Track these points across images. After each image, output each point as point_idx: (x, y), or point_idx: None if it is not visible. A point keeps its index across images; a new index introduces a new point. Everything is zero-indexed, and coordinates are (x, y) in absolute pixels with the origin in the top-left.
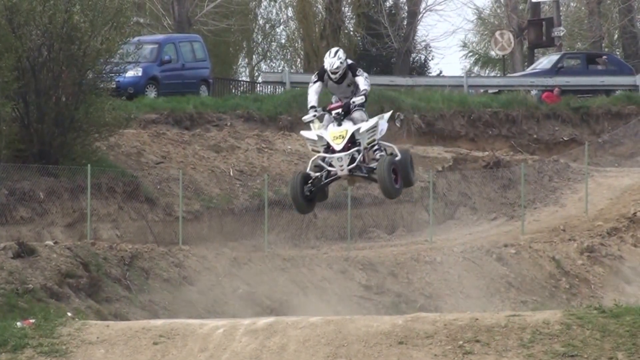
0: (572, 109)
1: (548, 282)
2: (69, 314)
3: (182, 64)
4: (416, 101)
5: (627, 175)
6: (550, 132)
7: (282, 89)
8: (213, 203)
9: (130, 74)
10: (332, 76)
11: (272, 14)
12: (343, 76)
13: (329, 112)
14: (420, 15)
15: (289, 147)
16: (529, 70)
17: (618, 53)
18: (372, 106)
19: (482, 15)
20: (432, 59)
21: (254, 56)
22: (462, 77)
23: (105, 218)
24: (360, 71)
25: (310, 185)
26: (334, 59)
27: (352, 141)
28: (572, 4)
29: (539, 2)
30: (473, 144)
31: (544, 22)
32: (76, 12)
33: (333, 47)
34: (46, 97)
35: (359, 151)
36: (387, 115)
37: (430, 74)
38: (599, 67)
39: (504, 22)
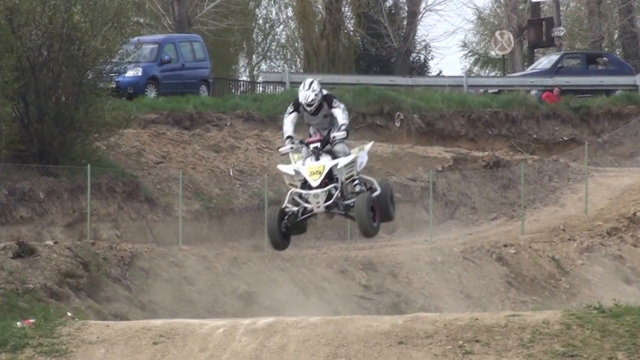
0: (572, 109)
1: (548, 282)
2: (69, 313)
3: (182, 64)
4: (416, 101)
5: (627, 175)
6: (550, 132)
7: (282, 88)
8: (213, 203)
9: (130, 73)
10: (308, 109)
11: (271, 14)
12: (319, 107)
13: (307, 145)
14: (420, 15)
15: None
16: (528, 70)
17: (618, 53)
18: (373, 106)
19: (482, 15)
20: (431, 58)
21: (253, 56)
22: (462, 77)
23: (105, 218)
24: (336, 102)
25: (286, 221)
26: (308, 92)
27: (330, 177)
28: (572, 3)
29: (538, 2)
30: (473, 144)
31: (543, 22)
32: (76, 12)
33: (308, 80)
34: (46, 97)
35: (336, 187)
36: (367, 146)
37: (430, 74)
38: (599, 67)
39: (504, 22)
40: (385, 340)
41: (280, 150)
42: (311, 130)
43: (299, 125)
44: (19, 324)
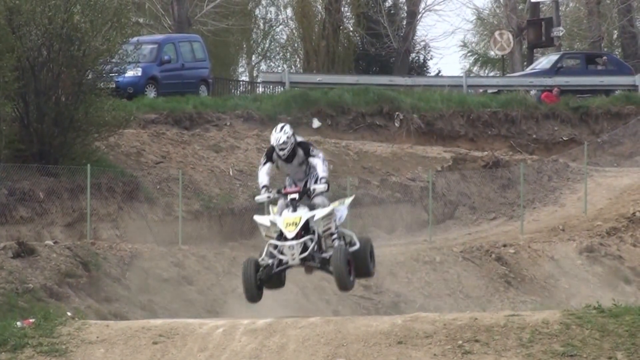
0: (572, 109)
1: (547, 282)
2: (69, 313)
3: (181, 64)
4: (415, 101)
5: (626, 175)
6: (550, 132)
7: (282, 88)
8: (213, 203)
9: (129, 74)
10: (280, 152)
11: (271, 14)
12: (293, 154)
13: (284, 195)
14: (420, 15)
15: None
16: (528, 70)
17: (617, 53)
18: (372, 106)
19: (482, 15)
20: (431, 59)
21: (253, 56)
22: (462, 77)
23: (105, 218)
24: (314, 151)
25: (261, 272)
26: (280, 134)
27: (307, 229)
28: (571, 4)
29: (538, 2)
30: (472, 144)
31: (543, 22)
32: (76, 13)
33: (280, 124)
34: (46, 97)
35: (312, 240)
36: (348, 200)
37: (429, 74)
38: (598, 67)
39: (503, 22)
40: (385, 340)
41: (256, 199)
42: (287, 180)
43: (274, 176)
44: (18, 323)
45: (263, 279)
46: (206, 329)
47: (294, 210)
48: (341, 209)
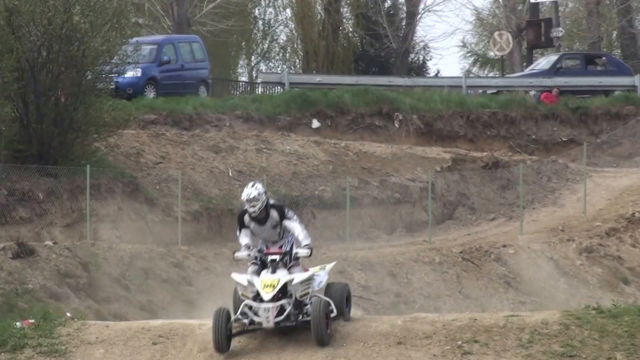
0: (571, 110)
1: (547, 283)
2: (68, 314)
3: (181, 65)
4: (415, 101)
5: (625, 175)
6: (549, 132)
7: (281, 89)
8: (212, 203)
9: (129, 74)
10: (251, 210)
11: (270, 14)
12: (266, 216)
13: (265, 256)
14: (419, 15)
15: (288, 147)
16: (527, 70)
17: (617, 54)
18: (371, 107)
19: (481, 15)
20: (430, 59)
21: (252, 57)
22: (461, 77)
23: (104, 218)
24: (290, 214)
25: (233, 328)
26: (250, 189)
27: (284, 291)
28: (570, 4)
29: (537, 3)
30: (472, 145)
31: (542, 23)
32: (76, 13)
33: (251, 182)
34: (45, 97)
35: (289, 303)
36: (329, 266)
37: (428, 75)
38: (598, 68)
39: (503, 23)
40: (384, 341)
41: (235, 255)
42: (260, 244)
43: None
44: (18, 324)
45: (234, 334)
46: (205, 329)
47: (273, 271)
48: (321, 274)
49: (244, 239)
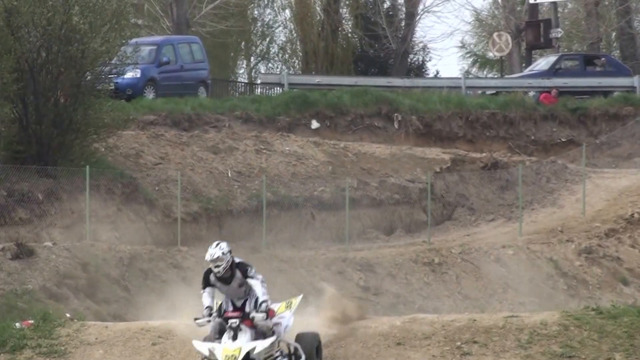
0: (570, 110)
1: (546, 284)
2: (68, 314)
3: (180, 66)
4: (414, 102)
5: (624, 176)
6: (548, 133)
7: (280, 90)
8: (211, 204)
9: (128, 75)
10: (215, 270)
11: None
12: (231, 275)
13: (225, 320)
14: (418, 16)
15: (287, 148)
16: (526, 71)
17: (616, 54)
18: (371, 107)
19: (480, 16)
20: (429, 60)
21: (252, 57)
22: (460, 78)
23: (104, 219)
24: (252, 271)
25: None
26: (215, 249)
27: (248, 358)
28: (569, 5)
29: (536, 4)
30: (471, 145)
31: (541, 24)
32: (75, 14)
33: (216, 241)
34: (45, 98)
35: None
36: (296, 302)
37: (428, 75)
38: (597, 69)
39: (502, 24)
40: (384, 342)
41: (196, 322)
42: (223, 302)
43: (216, 296)
44: (17, 325)
45: None
46: (205, 329)
47: (235, 337)
48: (287, 316)
49: (207, 299)
